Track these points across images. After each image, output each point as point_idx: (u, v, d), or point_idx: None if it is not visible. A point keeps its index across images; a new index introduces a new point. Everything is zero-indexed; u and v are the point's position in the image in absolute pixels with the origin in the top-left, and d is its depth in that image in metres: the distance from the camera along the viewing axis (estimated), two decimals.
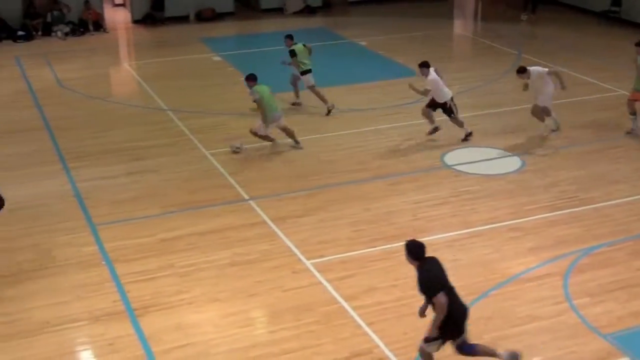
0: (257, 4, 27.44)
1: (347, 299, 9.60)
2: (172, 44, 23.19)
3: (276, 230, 11.41)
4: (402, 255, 7.76)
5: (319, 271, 10.24)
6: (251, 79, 14.15)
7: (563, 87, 14.37)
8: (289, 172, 13.53)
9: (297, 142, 14.45)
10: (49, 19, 23.99)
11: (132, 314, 9.39)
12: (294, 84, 16.55)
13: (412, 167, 13.60)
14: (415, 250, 7.68)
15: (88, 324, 9.24)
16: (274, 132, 14.33)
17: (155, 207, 12.24)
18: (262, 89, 14.05)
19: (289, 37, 16.35)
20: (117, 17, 26.42)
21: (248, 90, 14.17)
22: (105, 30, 24.65)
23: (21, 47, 22.67)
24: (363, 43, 22.79)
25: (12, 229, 11.55)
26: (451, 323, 7.62)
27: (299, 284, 10.02)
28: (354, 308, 9.41)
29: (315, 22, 26.19)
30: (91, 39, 23.84)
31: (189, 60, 21.21)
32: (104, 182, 13.16)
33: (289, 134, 14.43)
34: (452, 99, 14.39)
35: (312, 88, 16.23)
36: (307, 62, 16.09)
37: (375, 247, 10.89)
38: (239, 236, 11.31)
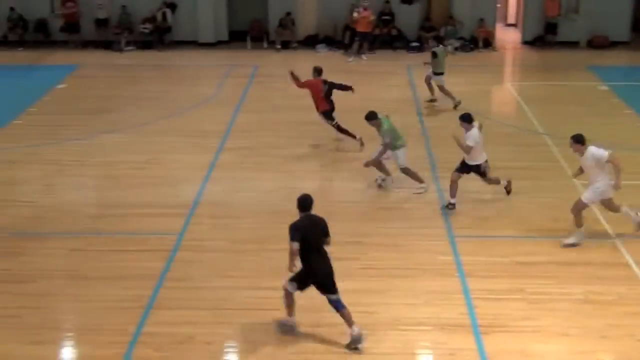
0: None
1: None
2: (559, 68, 22.82)
3: (639, 274, 10.74)
4: None
5: None
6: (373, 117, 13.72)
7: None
8: None
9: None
10: (442, 32, 25.00)
11: (477, 330, 9.48)
12: (429, 82, 18.76)
13: None
14: (300, 202, 9.22)
15: (433, 330, 9.53)
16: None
17: (514, 229, 12.20)
18: (389, 122, 13.70)
19: (437, 39, 19.61)
20: (507, 37, 26.64)
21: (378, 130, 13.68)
22: (493, 49, 25.07)
23: (413, 57, 23.89)
24: None
25: (379, 227, 12.32)
26: (310, 276, 9.14)
27: None
28: None
29: None
30: (479, 56, 24.38)
31: (573, 87, 20.72)
32: (469, 196, 13.40)
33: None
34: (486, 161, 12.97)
35: (442, 87, 18.49)
36: (444, 65, 18.40)
37: None
38: (598, 274, 10.83)
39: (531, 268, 10.98)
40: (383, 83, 20.99)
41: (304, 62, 22.55)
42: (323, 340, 9.31)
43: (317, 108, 15.79)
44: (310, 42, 25.22)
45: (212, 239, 12.05)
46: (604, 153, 11.27)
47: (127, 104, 19.04)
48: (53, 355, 9.28)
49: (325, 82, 15.84)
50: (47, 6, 25.37)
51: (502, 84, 22.03)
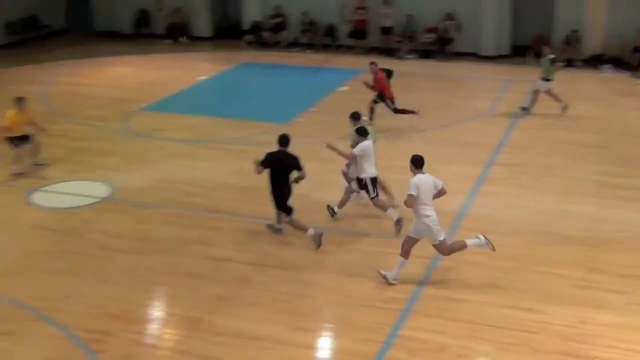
0: None
1: None
2: None
3: None
4: None
5: None
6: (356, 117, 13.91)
7: None
8: None
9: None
10: None
11: None
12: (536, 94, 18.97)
13: None
14: (279, 138, 11.97)
15: None
16: None
17: None
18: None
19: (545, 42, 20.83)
20: None
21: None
22: None
23: None
24: None
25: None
26: (277, 197, 11.97)
27: None
28: None
29: None
30: None
31: None
32: None
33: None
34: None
35: (548, 92, 18.81)
36: (553, 73, 18.80)
37: None
38: None
39: None
40: None
41: (586, 82, 21.77)
42: None
43: (385, 95, 17.99)
44: (595, 61, 24.20)
45: (474, 252, 11.97)
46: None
47: None
48: (313, 343, 9.81)
49: (382, 69, 18.13)
50: (337, 12, 26.68)
51: None
